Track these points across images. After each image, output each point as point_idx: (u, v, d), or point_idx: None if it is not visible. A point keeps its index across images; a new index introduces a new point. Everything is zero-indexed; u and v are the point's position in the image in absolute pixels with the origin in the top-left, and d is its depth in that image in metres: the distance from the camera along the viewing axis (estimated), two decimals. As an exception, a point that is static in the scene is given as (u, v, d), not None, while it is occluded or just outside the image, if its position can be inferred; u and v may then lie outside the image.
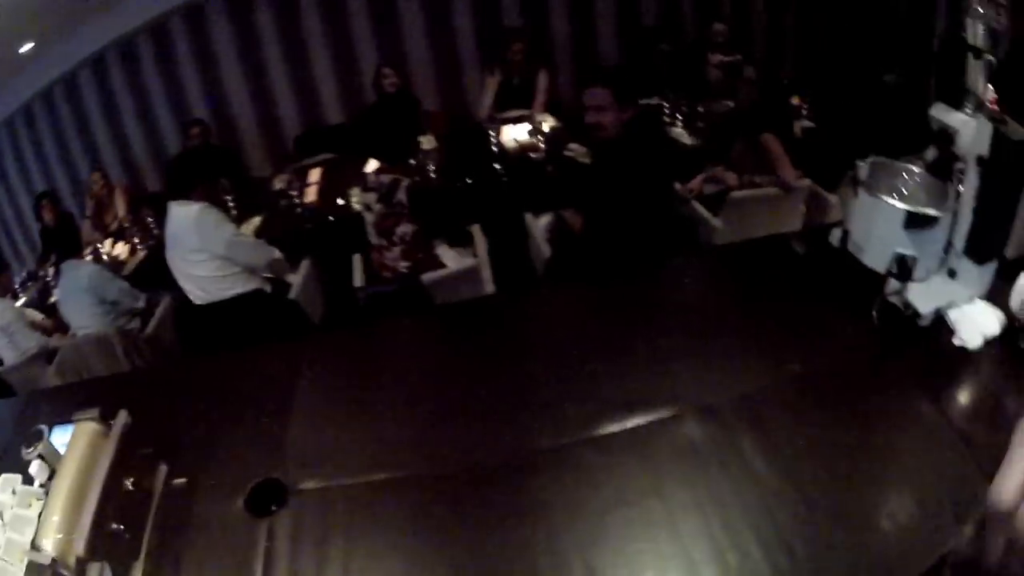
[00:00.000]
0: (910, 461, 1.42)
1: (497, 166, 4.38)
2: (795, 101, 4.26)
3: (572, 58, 5.80)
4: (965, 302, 1.69)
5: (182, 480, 1.99)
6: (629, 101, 3.03)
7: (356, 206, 4.28)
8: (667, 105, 4.30)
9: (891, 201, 1.64)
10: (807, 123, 4.12)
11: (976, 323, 1.65)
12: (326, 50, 6.14)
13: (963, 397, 1.58)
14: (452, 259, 3.54)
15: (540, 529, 1.45)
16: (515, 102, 5.07)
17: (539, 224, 3.69)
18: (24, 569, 1.88)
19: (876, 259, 1.75)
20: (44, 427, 2.41)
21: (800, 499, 1.37)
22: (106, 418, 1.96)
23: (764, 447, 1.50)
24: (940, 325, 1.69)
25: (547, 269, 3.48)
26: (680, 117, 4.24)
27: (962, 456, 1.38)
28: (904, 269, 1.69)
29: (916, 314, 1.72)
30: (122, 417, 1.97)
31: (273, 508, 1.75)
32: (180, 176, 3.90)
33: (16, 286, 6.09)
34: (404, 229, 3.41)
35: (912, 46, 4.77)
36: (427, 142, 4.67)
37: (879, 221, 1.72)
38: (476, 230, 3.69)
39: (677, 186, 3.60)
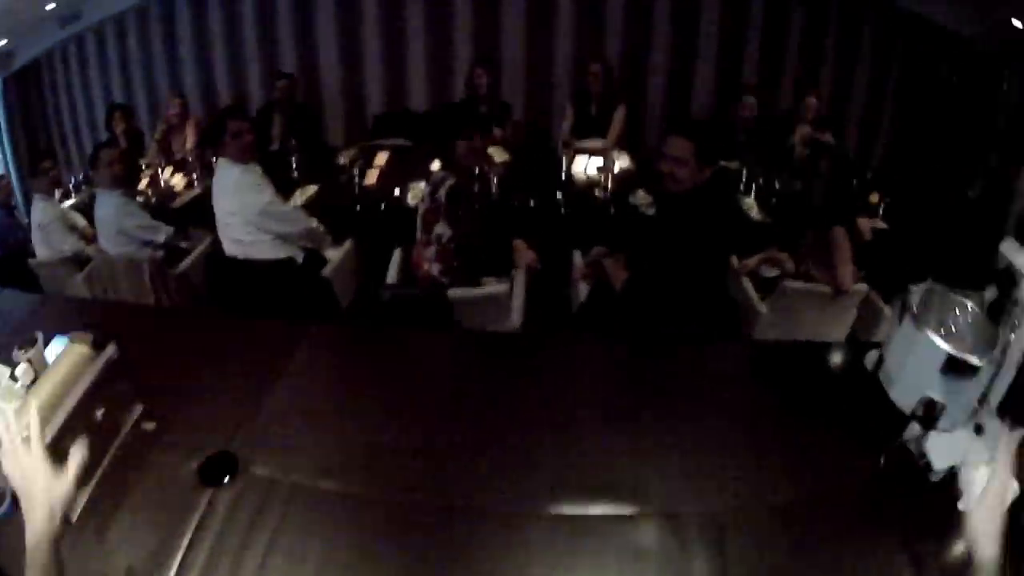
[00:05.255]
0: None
1: (559, 194, 4.29)
2: (874, 199, 4.07)
3: (665, 100, 5.71)
4: (983, 463, 1.47)
5: (151, 424, 2.01)
6: (710, 161, 2.88)
7: (411, 201, 4.22)
8: (744, 171, 4.15)
9: (935, 339, 1.52)
10: (880, 224, 3.91)
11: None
12: (423, 36, 6.10)
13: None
14: (487, 283, 3.38)
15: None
16: (593, 132, 5.00)
17: (582, 264, 3.55)
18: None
19: (904, 396, 1.60)
20: (40, 335, 2.53)
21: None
22: (100, 346, 1.98)
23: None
24: (950, 480, 1.51)
25: (580, 312, 3.35)
26: (754, 187, 4.07)
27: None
28: (930, 415, 1.56)
29: (929, 467, 1.56)
30: (109, 351, 1.98)
31: (223, 481, 1.77)
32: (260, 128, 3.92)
33: (71, 186, 6.12)
34: (441, 230, 3.27)
35: (1006, 165, 4.59)
36: (498, 154, 4.65)
37: (916, 357, 1.58)
38: (520, 244, 3.52)
39: (733, 260, 3.46)
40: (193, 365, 2.27)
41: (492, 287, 3.28)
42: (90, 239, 4.90)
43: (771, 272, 3.46)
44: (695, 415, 1.92)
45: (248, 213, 3.66)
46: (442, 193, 3.22)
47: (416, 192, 4.26)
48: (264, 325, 2.58)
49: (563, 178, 4.50)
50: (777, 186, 4.08)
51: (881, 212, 4.03)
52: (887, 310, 3.18)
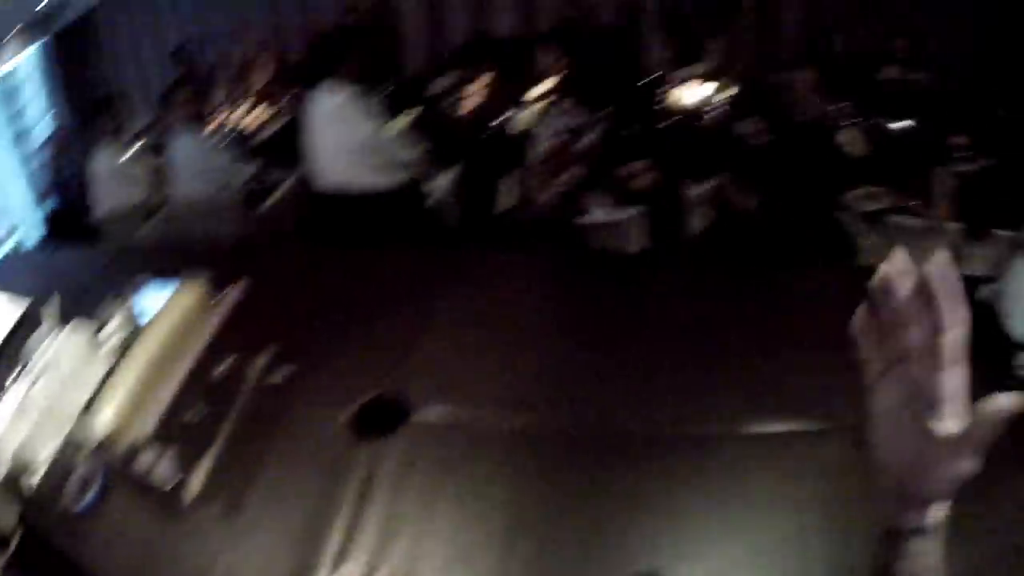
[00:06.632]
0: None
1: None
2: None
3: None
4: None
5: (283, 374, 1.70)
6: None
7: (518, 127, 4.06)
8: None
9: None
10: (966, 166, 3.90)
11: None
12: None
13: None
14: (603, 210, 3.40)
15: (637, 528, 1.28)
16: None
17: (695, 192, 3.51)
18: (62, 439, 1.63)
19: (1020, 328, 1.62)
20: (142, 280, 2.03)
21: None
22: (218, 286, 1.71)
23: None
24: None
25: (699, 238, 3.37)
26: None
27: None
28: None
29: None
30: (237, 289, 1.69)
31: (383, 433, 1.44)
32: (330, 52, 3.59)
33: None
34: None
35: None
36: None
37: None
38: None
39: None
40: (318, 305, 2.02)
41: (620, 212, 3.31)
42: (155, 186, 4.57)
43: (873, 206, 3.35)
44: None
45: (351, 142, 3.50)
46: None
47: (522, 120, 4.12)
48: (389, 257, 2.27)
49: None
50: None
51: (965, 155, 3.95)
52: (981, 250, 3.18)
